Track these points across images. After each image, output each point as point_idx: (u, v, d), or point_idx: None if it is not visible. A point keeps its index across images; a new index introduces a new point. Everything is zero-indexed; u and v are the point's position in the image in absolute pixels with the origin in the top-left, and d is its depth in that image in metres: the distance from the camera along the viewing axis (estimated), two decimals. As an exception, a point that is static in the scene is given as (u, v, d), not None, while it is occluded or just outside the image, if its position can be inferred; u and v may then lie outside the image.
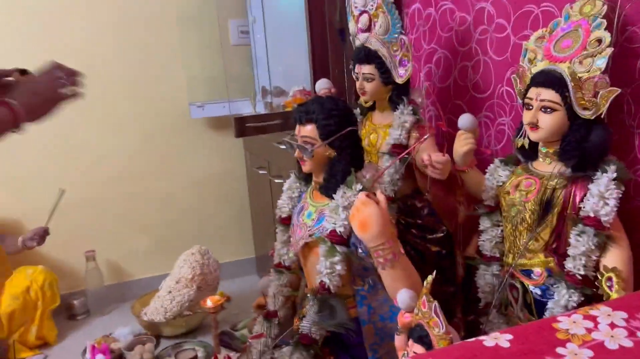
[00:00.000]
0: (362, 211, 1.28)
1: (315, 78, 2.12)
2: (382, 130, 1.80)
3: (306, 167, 1.49)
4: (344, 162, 1.44)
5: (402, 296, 1.14)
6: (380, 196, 1.31)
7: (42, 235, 2.51)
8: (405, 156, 1.62)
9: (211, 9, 2.86)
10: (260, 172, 2.71)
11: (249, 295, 2.68)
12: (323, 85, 1.97)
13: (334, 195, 1.44)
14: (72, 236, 2.86)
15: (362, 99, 1.87)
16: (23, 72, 1.23)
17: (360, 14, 1.76)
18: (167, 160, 3.01)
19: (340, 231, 1.40)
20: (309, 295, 1.49)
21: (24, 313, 2.49)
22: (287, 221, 1.67)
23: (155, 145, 2.96)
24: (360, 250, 1.38)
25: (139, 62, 2.84)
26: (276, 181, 2.45)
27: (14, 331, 2.48)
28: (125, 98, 2.86)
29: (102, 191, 2.90)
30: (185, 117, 2.95)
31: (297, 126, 1.47)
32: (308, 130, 1.44)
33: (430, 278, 1.08)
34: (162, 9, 2.82)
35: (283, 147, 1.55)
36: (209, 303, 2.00)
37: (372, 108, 1.88)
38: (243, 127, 2.05)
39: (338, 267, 1.41)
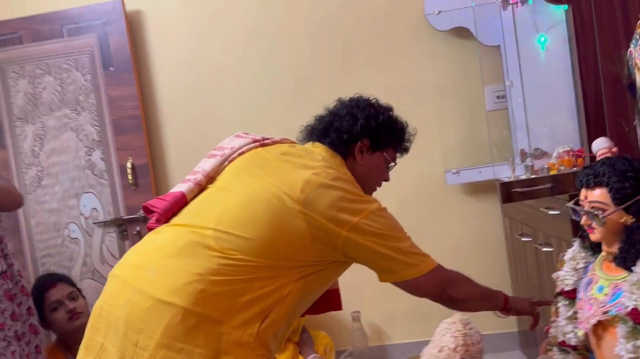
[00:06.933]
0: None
1: (589, 138, 1.96)
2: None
3: (595, 236, 1.36)
4: (646, 230, 1.28)
5: None
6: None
7: None
8: None
9: (468, 78, 2.92)
10: (524, 239, 2.56)
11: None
12: (602, 145, 1.78)
13: (633, 268, 1.28)
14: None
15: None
16: None
17: (649, 65, 1.60)
18: (422, 226, 3.05)
19: (645, 310, 1.22)
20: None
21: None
22: (571, 295, 1.52)
23: (411, 211, 3.04)
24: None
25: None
26: (544, 249, 2.28)
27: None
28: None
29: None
30: (440, 184, 2.99)
31: (583, 190, 1.37)
32: (597, 195, 1.33)
33: None
34: (420, 82, 2.97)
35: (572, 214, 1.44)
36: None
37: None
38: (509, 192, 1.99)
39: (644, 352, 1.23)
